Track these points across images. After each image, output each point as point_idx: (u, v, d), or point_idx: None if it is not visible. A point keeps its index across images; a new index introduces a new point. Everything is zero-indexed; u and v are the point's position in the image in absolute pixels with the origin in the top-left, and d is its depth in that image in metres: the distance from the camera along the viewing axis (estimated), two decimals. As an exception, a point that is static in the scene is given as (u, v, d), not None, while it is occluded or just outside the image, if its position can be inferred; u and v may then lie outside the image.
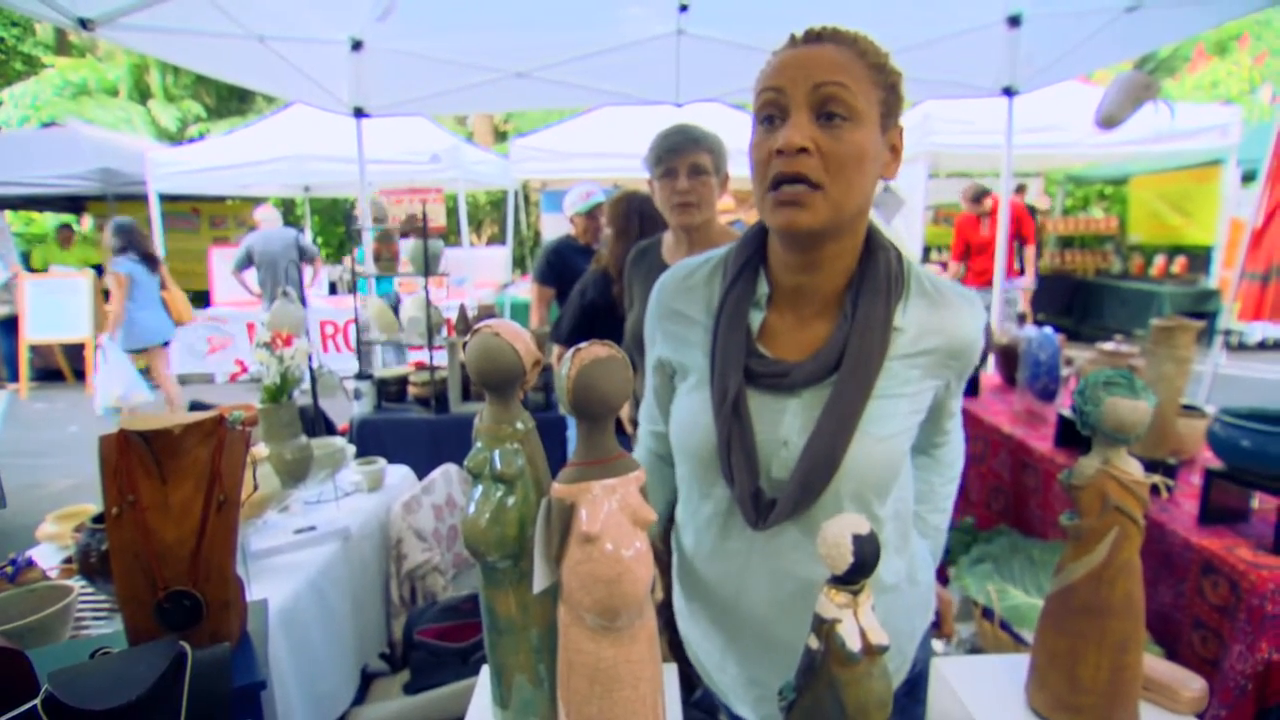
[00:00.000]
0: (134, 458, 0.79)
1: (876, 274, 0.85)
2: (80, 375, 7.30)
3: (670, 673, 0.84)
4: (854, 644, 0.68)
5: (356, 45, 3.41)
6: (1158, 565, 1.61)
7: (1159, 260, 8.51)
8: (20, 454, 5.22)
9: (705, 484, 0.91)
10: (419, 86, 3.72)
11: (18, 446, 5.43)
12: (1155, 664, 0.84)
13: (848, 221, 0.82)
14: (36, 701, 0.61)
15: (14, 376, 7.16)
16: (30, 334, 7.07)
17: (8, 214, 9.11)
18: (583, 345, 0.63)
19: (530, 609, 0.74)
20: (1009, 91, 3.65)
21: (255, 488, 0.97)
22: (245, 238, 6.49)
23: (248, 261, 6.28)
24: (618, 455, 0.65)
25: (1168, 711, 0.81)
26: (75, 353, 7.32)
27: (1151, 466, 1.71)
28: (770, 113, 0.79)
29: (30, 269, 8.13)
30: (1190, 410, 1.92)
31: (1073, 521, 0.77)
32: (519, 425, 0.72)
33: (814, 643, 0.71)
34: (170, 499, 0.81)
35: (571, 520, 0.63)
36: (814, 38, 0.79)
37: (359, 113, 3.78)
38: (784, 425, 0.85)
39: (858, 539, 0.68)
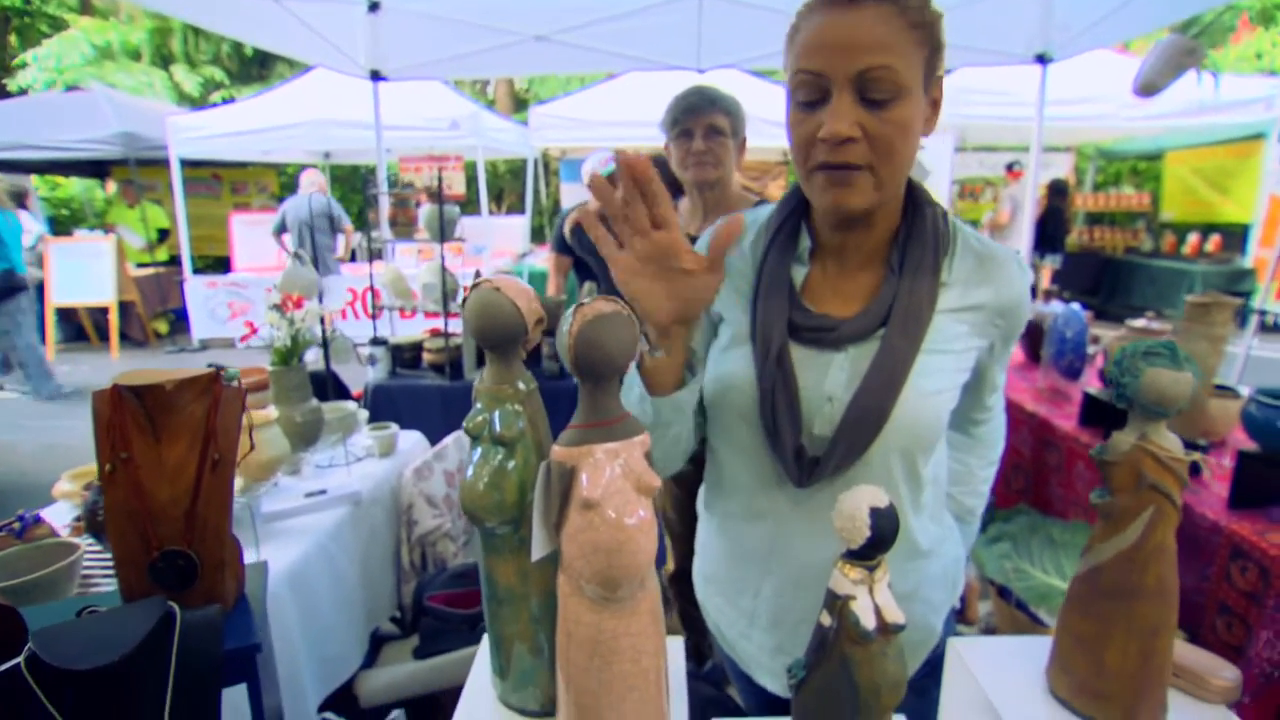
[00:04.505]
0: (127, 414, 0.77)
1: (923, 229, 0.84)
2: (104, 337, 7.41)
3: (675, 646, 0.81)
4: (868, 622, 0.65)
5: (373, 7, 3.35)
6: (1184, 548, 1.54)
7: (1192, 238, 8.25)
8: (44, 415, 5.32)
9: (743, 442, 0.89)
10: (436, 49, 3.66)
11: (43, 408, 5.53)
12: (1186, 650, 0.80)
13: (895, 191, 0.81)
14: (20, 660, 0.59)
15: (41, 339, 7.29)
16: (55, 297, 7.16)
17: (34, 178, 9.20)
18: (586, 300, 0.59)
19: (530, 577, 0.71)
20: (1042, 59, 3.51)
21: (251, 447, 0.95)
22: (284, 202, 6.72)
23: (283, 226, 6.52)
24: (621, 417, 0.61)
25: (1197, 700, 0.77)
26: (100, 316, 7.41)
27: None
28: (810, 96, 0.75)
29: (105, 228, 8.30)
30: (1223, 390, 1.85)
31: (1104, 499, 0.72)
32: (520, 386, 0.69)
33: (826, 620, 0.68)
34: (164, 457, 0.78)
35: (572, 485, 0.60)
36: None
37: (375, 76, 3.73)
38: (829, 380, 0.83)
39: (875, 512, 0.64)
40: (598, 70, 5.28)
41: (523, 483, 0.68)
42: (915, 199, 0.86)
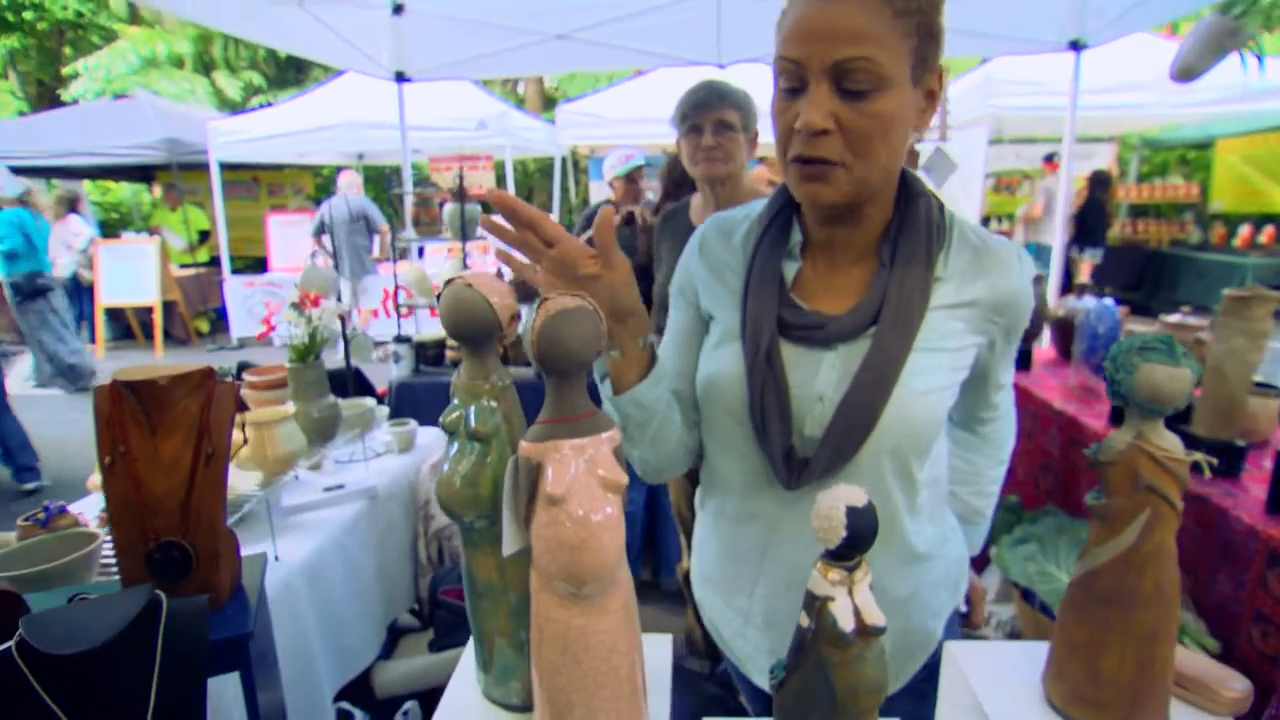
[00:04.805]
0: (125, 409, 0.80)
1: (916, 221, 0.81)
2: (150, 336, 7.66)
3: (658, 644, 0.81)
4: (846, 624, 0.64)
5: (397, 9, 3.38)
6: (1218, 553, 1.50)
7: (1244, 230, 7.90)
8: (90, 410, 5.51)
9: (733, 442, 0.87)
10: (458, 50, 3.70)
11: (89, 404, 5.74)
12: (1194, 660, 0.76)
13: (876, 187, 0.78)
14: (11, 644, 0.61)
15: (92, 338, 7.55)
16: (104, 298, 7.42)
17: (86, 183, 9.56)
18: (550, 295, 0.58)
19: (508, 572, 0.71)
20: (1076, 45, 3.39)
21: (244, 442, 0.97)
22: (322, 205, 6.88)
23: (322, 228, 6.64)
24: (588, 413, 0.61)
25: (1204, 712, 0.74)
26: (146, 315, 7.67)
27: (1217, 448, 1.58)
28: (790, 84, 0.74)
29: (150, 231, 8.60)
30: (1264, 389, 1.77)
31: (1099, 501, 0.70)
32: (495, 381, 0.69)
33: (804, 621, 0.67)
34: (160, 451, 0.81)
35: (538, 481, 0.59)
36: None
37: (400, 77, 3.78)
38: (819, 380, 0.81)
39: (852, 511, 0.62)
40: (618, 67, 5.28)
41: (498, 478, 0.68)
42: (909, 190, 0.83)
